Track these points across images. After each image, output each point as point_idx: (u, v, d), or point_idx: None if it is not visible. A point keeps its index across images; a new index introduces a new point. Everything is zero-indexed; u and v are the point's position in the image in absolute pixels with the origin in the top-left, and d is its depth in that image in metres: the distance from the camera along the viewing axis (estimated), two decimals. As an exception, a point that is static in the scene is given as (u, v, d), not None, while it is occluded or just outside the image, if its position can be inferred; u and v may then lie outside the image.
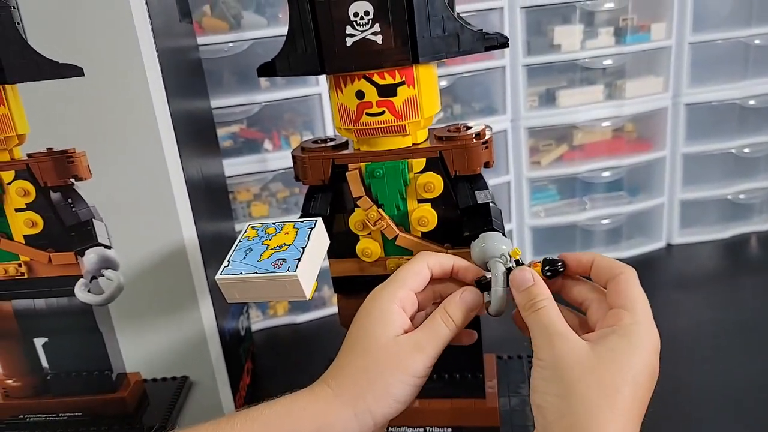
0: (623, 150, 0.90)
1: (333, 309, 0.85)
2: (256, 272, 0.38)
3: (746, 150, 0.94)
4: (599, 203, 0.92)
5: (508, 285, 0.38)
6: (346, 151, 0.47)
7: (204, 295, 0.55)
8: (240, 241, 0.41)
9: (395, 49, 0.40)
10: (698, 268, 0.91)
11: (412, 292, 0.38)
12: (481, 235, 0.43)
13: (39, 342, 0.53)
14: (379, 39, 0.40)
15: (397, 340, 0.35)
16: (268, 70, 0.45)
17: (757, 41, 0.87)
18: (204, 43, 0.68)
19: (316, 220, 0.42)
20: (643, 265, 0.92)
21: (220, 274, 0.37)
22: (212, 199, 0.64)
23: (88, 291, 0.49)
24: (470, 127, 0.47)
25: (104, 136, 0.48)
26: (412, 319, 0.38)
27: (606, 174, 0.91)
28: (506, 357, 0.59)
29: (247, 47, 0.70)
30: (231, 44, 0.70)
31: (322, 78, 0.73)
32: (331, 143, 0.49)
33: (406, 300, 0.37)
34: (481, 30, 0.42)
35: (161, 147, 0.50)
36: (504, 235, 0.42)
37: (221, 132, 0.74)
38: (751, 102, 0.90)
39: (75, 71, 0.44)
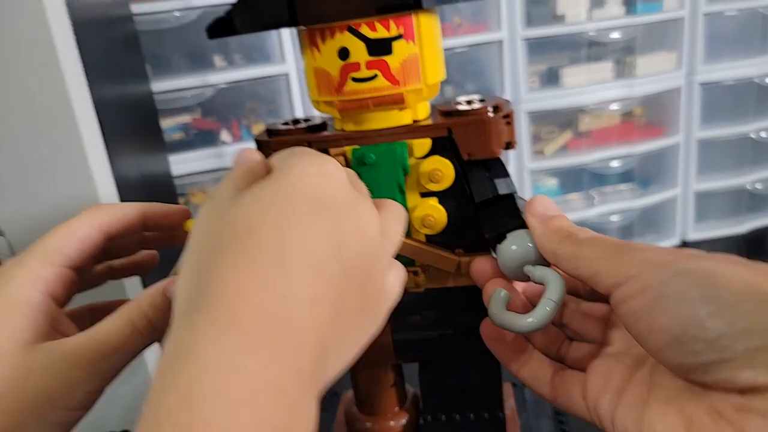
0: (634, 136, 0.84)
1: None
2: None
3: (763, 134, 0.88)
4: (609, 197, 0.85)
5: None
6: (325, 133, 0.38)
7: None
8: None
9: (391, -12, 0.31)
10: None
11: (67, 269, 0.26)
12: (509, 235, 0.34)
13: None
14: (369, -26, 0.31)
15: (38, 351, 0.23)
16: (221, 27, 0.36)
17: (777, 11, 0.81)
18: (141, 12, 0.58)
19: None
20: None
21: None
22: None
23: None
24: (484, 100, 0.38)
25: (3, 136, 0.38)
26: (63, 306, 0.26)
27: (615, 164, 0.84)
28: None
29: (197, 17, 0.60)
30: (177, 13, 0.60)
31: (289, 54, 0.63)
32: (305, 124, 0.39)
33: (58, 282, 0.26)
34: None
35: (81, 145, 0.40)
36: (537, 235, 0.34)
37: (168, 123, 0.64)
38: (770, 79, 0.85)
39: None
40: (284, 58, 0.63)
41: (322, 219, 0.20)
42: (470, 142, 0.36)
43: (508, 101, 0.38)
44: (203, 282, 0.18)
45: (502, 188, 0.37)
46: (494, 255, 0.36)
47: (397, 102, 0.34)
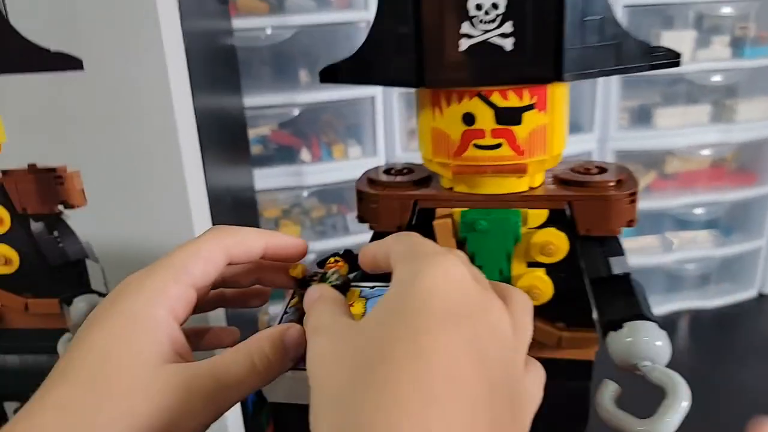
0: (723, 182, 0.79)
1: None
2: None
3: None
4: (689, 243, 0.81)
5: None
6: (431, 190, 0.36)
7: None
8: (285, 312, 0.30)
9: (531, 59, 0.29)
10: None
11: (191, 289, 0.25)
12: (626, 324, 0.32)
13: (10, 407, 0.43)
14: (508, 43, 0.29)
15: (160, 373, 0.22)
16: (337, 73, 0.34)
17: None
18: (239, 28, 0.57)
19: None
20: (729, 317, 0.82)
21: None
22: (240, 223, 0.53)
23: (76, 349, 0.39)
24: (604, 170, 0.36)
25: (105, 149, 0.38)
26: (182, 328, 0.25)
27: (700, 210, 0.80)
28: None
29: (291, 35, 0.59)
30: (270, 30, 0.59)
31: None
32: (409, 175, 0.38)
33: (181, 301, 0.24)
34: (646, 41, 0.31)
35: (180, 159, 0.39)
36: (659, 325, 0.32)
37: (249, 135, 0.64)
38: None
39: (71, 63, 0.34)
40: (372, 81, 0.62)
41: (458, 331, 0.19)
42: (590, 219, 0.34)
43: (630, 173, 0.36)
44: (351, 420, 0.17)
45: (616, 268, 0.35)
46: (602, 338, 0.34)
47: (519, 172, 0.33)
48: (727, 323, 0.83)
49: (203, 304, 0.29)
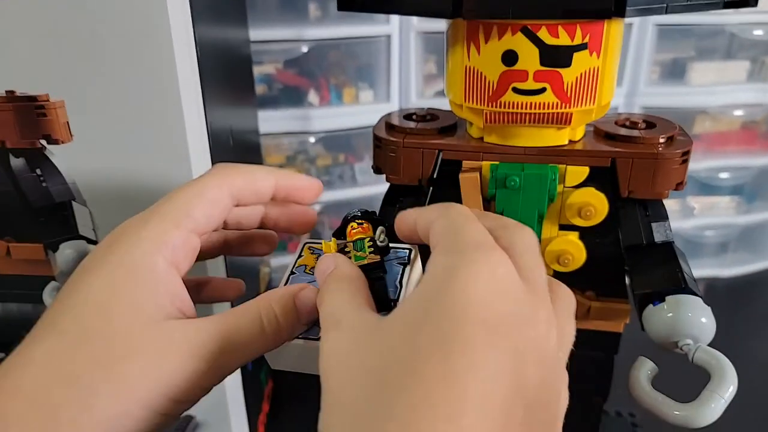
0: (755, 146, 0.75)
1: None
2: (319, 338, 0.24)
3: None
4: (710, 209, 0.77)
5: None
6: (458, 140, 0.33)
7: (222, 304, 0.42)
8: (293, 272, 0.27)
9: (591, -12, 0.25)
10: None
11: (194, 235, 0.22)
12: (668, 298, 0.29)
13: (-7, 355, 0.41)
14: (565, -32, 0.25)
15: (161, 331, 0.20)
16: (357, 0, 0.30)
17: None
18: (244, -49, 0.52)
19: (410, 249, 0.27)
20: (745, 286, 0.79)
21: None
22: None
23: (63, 298, 0.36)
24: (652, 124, 0.32)
25: (93, 76, 0.34)
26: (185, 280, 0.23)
27: (725, 175, 0.76)
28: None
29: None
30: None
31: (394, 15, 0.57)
32: (433, 122, 0.34)
33: (183, 250, 0.22)
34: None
35: (177, 93, 0.35)
36: (703, 300, 0.29)
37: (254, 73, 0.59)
38: None
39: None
40: (389, 18, 0.57)
41: (498, 349, 0.16)
42: (635, 179, 0.30)
43: (682, 129, 0.32)
44: None
45: (658, 235, 0.32)
46: (639, 312, 0.32)
47: (563, 122, 0.29)
48: (743, 293, 0.80)
49: (205, 249, 0.26)
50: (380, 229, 0.25)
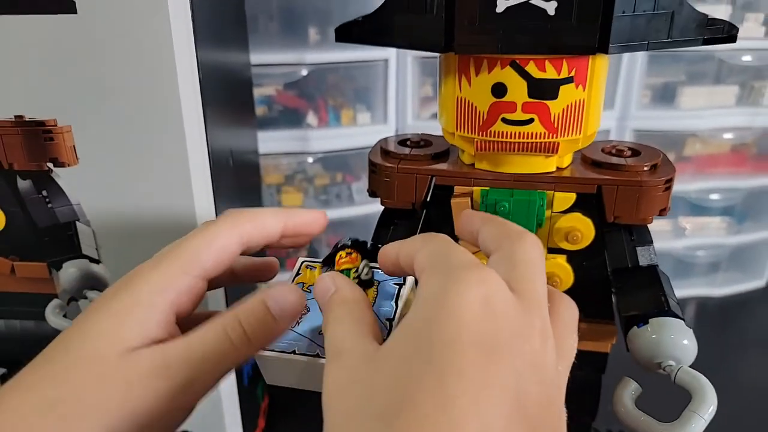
0: (744, 168, 0.76)
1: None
2: (318, 354, 0.25)
3: None
4: (701, 230, 0.78)
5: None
6: (450, 166, 0.34)
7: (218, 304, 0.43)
8: None
9: (576, 26, 0.26)
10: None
11: (201, 280, 0.23)
12: (652, 321, 0.30)
13: (-4, 371, 0.41)
14: (551, 7, 0.26)
15: (131, 359, 0.21)
16: (354, 32, 0.31)
17: None
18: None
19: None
20: (736, 306, 0.80)
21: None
22: (242, 188, 0.51)
23: (64, 316, 0.37)
24: (637, 152, 0.34)
25: (99, 104, 0.35)
26: (188, 317, 0.24)
27: (716, 197, 0.77)
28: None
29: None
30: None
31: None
32: (426, 148, 0.36)
33: (187, 294, 0.23)
34: (704, 13, 0.28)
35: (180, 116, 0.37)
36: (685, 322, 0.30)
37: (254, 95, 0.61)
38: None
39: (62, 5, 0.31)
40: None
41: (493, 370, 0.16)
42: (621, 205, 0.31)
43: (666, 156, 0.34)
44: None
45: (643, 258, 0.33)
46: (622, 332, 0.33)
47: (550, 151, 0.30)
48: (734, 312, 0.81)
49: (212, 283, 0.27)
50: (364, 262, 0.25)
